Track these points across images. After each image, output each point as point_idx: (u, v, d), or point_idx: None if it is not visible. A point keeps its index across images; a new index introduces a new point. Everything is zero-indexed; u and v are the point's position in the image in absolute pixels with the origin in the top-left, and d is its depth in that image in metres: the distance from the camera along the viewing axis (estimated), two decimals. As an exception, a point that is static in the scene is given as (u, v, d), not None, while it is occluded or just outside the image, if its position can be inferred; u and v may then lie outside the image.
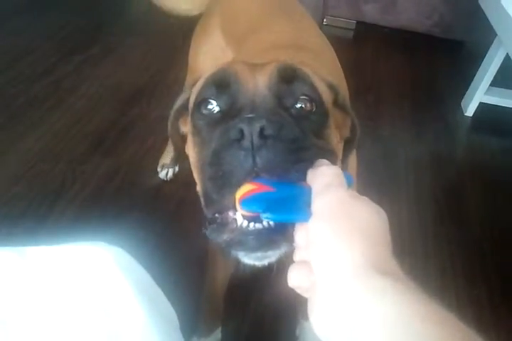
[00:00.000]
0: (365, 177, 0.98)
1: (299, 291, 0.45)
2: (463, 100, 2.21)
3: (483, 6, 1.98)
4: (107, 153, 1.66)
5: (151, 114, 1.88)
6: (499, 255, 1.48)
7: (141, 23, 2.70)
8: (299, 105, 0.58)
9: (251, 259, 0.52)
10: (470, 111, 2.15)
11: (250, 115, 0.51)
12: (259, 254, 0.51)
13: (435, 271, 1.39)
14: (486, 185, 1.76)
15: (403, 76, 2.41)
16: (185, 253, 1.31)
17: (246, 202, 0.47)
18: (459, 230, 1.54)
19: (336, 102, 0.68)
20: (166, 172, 1.60)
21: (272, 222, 0.49)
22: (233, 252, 0.52)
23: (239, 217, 0.50)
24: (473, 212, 1.63)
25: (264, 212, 0.45)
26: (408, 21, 2.65)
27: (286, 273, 0.45)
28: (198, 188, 0.60)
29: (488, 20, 1.89)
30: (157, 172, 1.60)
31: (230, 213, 0.52)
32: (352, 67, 2.28)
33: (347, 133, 0.71)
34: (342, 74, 1.04)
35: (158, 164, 1.61)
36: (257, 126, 0.49)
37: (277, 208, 0.45)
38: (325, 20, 2.80)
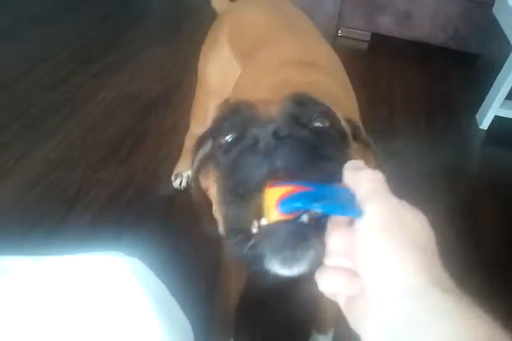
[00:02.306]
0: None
1: (329, 296, 0.44)
2: (478, 113, 2.20)
3: (499, 19, 1.97)
4: (122, 162, 1.68)
5: (166, 123, 1.89)
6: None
7: (158, 32, 2.73)
8: (315, 124, 0.56)
9: (278, 261, 0.47)
10: (485, 124, 2.14)
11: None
12: (288, 253, 0.46)
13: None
14: (501, 199, 1.74)
15: (417, 88, 2.41)
16: (198, 262, 1.32)
17: (285, 201, 0.44)
18: (474, 246, 1.52)
19: (356, 137, 0.67)
20: (179, 182, 1.61)
21: (305, 220, 0.46)
22: (258, 255, 0.47)
23: (264, 222, 0.47)
24: (489, 226, 1.61)
25: (311, 203, 0.42)
26: (423, 34, 2.65)
27: (315, 278, 0.43)
28: (220, 227, 0.58)
29: (503, 33, 1.89)
30: (171, 181, 1.61)
31: (253, 229, 0.49)
32: (366, 79, 2.29)
33: None
34: (352, 91, 1.03)
35: (172, 173, 1.62)
36: (270, 128, 0.49)
37: (324, 203, 0.42)
38: (340, 31, 2.81)
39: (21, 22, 2.54)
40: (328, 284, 0.42)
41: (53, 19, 2.63)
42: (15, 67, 2.15)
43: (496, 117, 2.12)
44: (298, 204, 0.43)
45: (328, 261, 0.44)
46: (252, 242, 0.49)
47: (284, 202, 0.44)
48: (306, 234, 0.46)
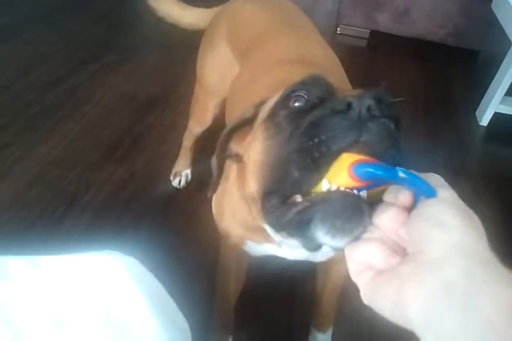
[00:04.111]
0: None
1: (353, 272, 0.45)
2: (477, 109, 2.20)
3: (497, 15, 1.97)
4: (121, 161, 1.67)
5: (164, 122, 1.89)
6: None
7: (155, 32, 2.72)
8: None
9: (325, 229, 0.45)
10: (485, 120, 2.13)
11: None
12: (338, 223, 0.44)
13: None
14: (501, 195, 1.73)
15: (417, 85, 2.40)
16: (197, 262, 1.31)
17: (364, 165, 0.44)
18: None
19: None
20: (178, 181, 1.60)
21: (363, 195, 0.46)
22: (305, 220, 0.46)
23: (325, 183, 0.47)
24: (488, 223, 1.60)
25: (395, 171, 0.44)
26: (422, 30, 2.64)
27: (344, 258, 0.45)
28: (252, 188, 0.58)
29: (503, 29, 1.89)
30: (170, 181, 1.61)
31: (298, 197, 0.49)
32: (365, 76, 2.28)
33: None
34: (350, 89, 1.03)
35: (171, 172, 1.62)
36: (366, 102, 0.48)
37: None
38: (339, 29, 2.80)
39: (19, 23, 2.54)
40: (369, 254, 0.44)
41: (51, 20, 2.63)
42: (13, 68, 2.15)
43: (496, 113, 2.12)
44: (379, 172, 0.44)
45: (371, 234, 0.45)
46: (302, 206, 0.48)
47: (362, 165, 0.44)
48: (361, 209, 0.45)
